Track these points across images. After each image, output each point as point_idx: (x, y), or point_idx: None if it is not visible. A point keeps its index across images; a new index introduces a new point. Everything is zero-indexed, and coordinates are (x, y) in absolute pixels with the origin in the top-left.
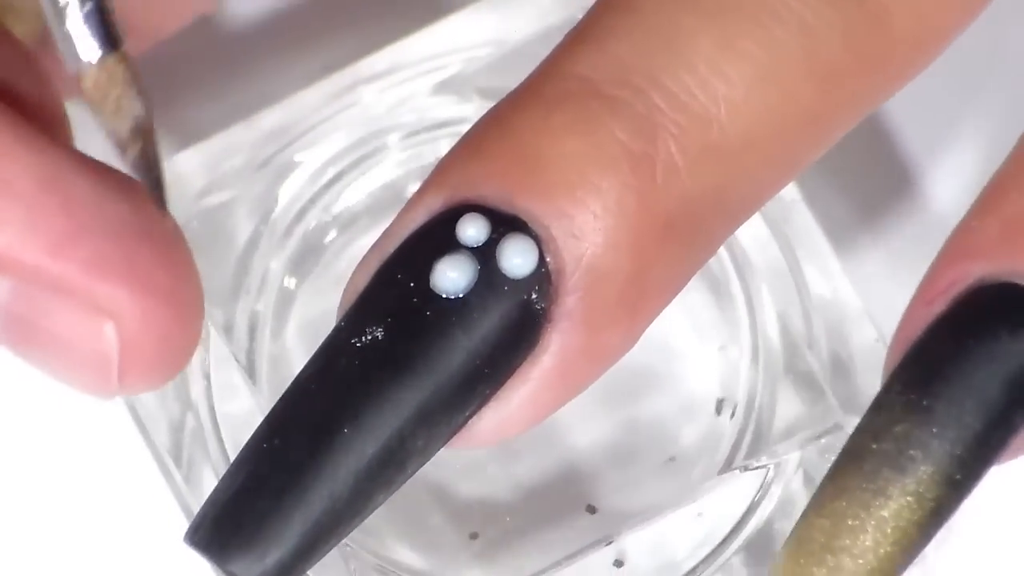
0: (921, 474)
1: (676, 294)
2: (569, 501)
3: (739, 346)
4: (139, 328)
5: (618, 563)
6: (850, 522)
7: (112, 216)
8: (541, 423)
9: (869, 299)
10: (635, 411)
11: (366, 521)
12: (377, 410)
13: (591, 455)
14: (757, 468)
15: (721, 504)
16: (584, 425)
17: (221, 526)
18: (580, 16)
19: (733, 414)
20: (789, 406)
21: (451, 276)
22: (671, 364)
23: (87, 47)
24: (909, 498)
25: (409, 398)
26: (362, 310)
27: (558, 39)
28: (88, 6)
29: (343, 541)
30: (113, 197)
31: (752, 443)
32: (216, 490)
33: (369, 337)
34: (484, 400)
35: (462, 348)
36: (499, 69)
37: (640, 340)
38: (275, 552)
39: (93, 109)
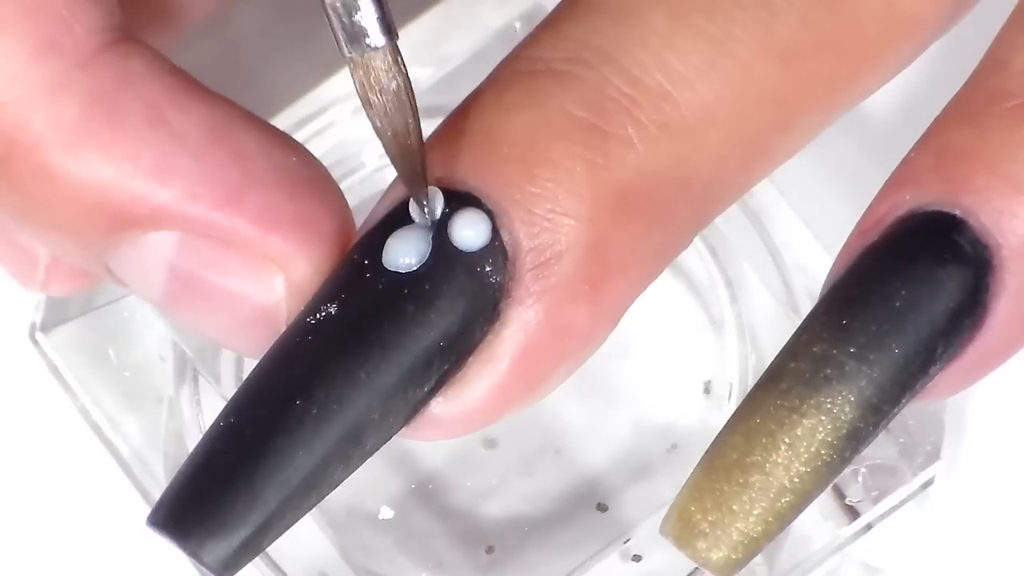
0: (836, 394)
1: (648, 277)
2: (579, 502)
3: (723, 326)
4: (309, 279)
5: (636, 558)
6: (763, 439)
7: (280, 167)
8: (543, 428)
9: None
10: (628, 406)
11: (381, 547)
12: (328, 383)
13: (595, 455)
14: None
15: None
16: (585, 426)
17: (180, 506)
18: (518, 25)
19: (731, 396)
20: None
21: (400, 250)
22: (652, 353)
23: (370, 36)
24: (823, 417)
25: (360, 370)
26: (320, 292)
27: (499, 54)
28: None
29: (363, 569)
30: (279, 149)
31: None
32: (178, 472)
33: (323, 314)
34: (444, 377)
35: (414, 321)
36: (440, 88)
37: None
38: (233, 530)
39: (368, 98)
